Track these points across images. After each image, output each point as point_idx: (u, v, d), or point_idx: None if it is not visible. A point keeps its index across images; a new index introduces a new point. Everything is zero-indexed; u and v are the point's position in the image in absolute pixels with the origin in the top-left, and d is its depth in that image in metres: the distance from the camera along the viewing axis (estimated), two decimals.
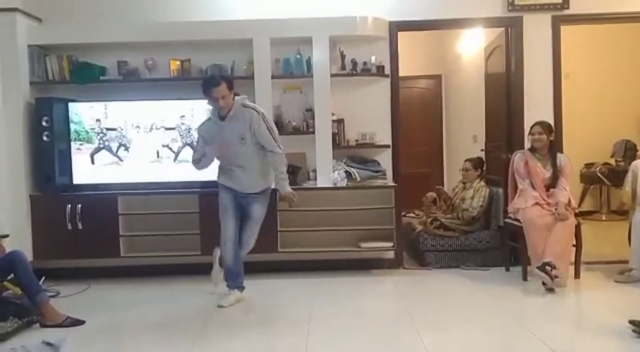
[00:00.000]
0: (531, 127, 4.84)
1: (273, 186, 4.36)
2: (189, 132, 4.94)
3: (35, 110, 4.89)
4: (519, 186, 4.79)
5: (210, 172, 4.90)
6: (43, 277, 4.30)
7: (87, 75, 5.06)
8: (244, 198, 4.27)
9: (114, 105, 5.00)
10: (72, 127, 4.96)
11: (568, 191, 4.67)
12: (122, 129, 4.97)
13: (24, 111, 4.88)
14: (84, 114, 4.97)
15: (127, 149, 4.99)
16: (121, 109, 5.00)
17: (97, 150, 4.99)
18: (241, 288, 4.33)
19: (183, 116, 4.95)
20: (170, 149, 4.99)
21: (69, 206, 4.85)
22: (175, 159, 4.99)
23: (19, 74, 4.86)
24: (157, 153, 4.98)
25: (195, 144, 4.50)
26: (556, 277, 4.24)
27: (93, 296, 4.60)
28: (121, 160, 5.00)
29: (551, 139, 4.77)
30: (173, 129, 4.97)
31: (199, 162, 4.26)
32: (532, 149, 4.82)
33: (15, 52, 4.84)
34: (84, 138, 4.98)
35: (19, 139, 4.84)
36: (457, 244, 5.23)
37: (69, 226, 4.84)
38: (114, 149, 5.00)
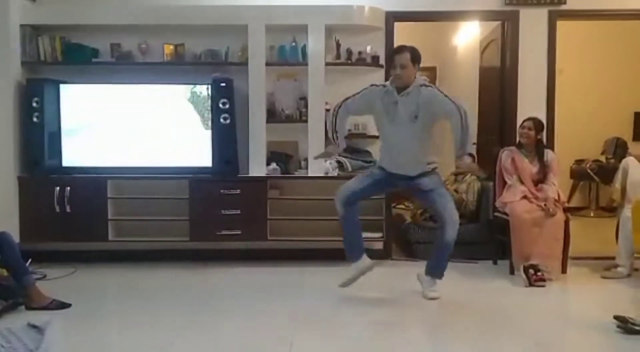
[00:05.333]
0: (523, 121, 4.84)
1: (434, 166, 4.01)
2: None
3: (26, 91, 4.84)
4: (507, 182, 4.81)
5: (202, 158, 4.90)
6: (30, 260, 4.26)
7: (79, 57, 5.01)
8: (405, 181, 3.99)
9: (106, 88, 4.96)
10: (63, 108, 4.90)
11: (557, 186, 4.69)
12: (112, 113, 4.93)
13: (14, 91, 4.82)
14: (75, 95, 4.93)
15: (116, 133, 4.95)
16: (113, 92, 4.95)
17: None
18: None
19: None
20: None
21: (58, 188, 4.80)
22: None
23: (10, 54, 4.80)
24: (149, 137, 4.95)
25: (354, 95, 3.99)
26: (537, 280, 4.28)
27: (80, 279, 4.58)
28: (102, 145, 4.94)
29: (539, 138, 4.78)
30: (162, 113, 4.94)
31: (338, 116, 3.95)
32: (519, 145, 4.83)
33: (7, 32, 4.77)
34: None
35: (8, 119, 4.78)
36: None
37: (57, 209, 4.80)
38: (102, 132, 4.95)
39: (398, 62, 3.82)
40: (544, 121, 5.02)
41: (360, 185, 4.04)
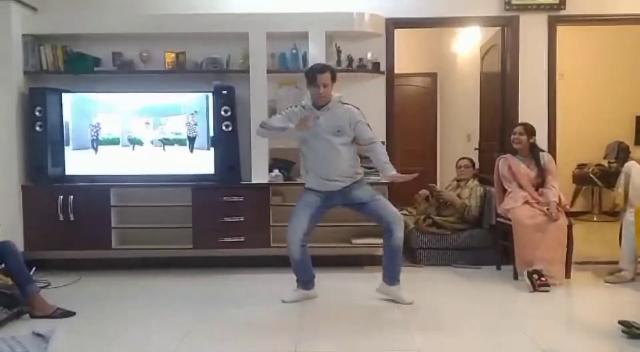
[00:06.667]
0: (515, 127, 4.86)
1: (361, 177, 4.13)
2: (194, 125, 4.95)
3: (29, 100, 4.85)
4: (507, 189, 4.81)
5: (205, 165, 4.91)
6: (34, 268, 4.28)
7: (81, 66, 5.03)
8: (340, 196, 4.04)
9: (108, 96, 4.98)
10: (65, 117, 4.92)
11: (557, 188, 4.69)
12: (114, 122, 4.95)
13: (17, 101, 4.84)
14: (78, 104, 4.95)
15: (120, 141, 4.97)
16: (115, 100, 4.98)
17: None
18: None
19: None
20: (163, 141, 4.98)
21: (61, 197, 4.82)
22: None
23: (12, 64, 4.83)
24: (153, 144, 4.97)
25: (278, 114, 4.19)
26: (542, 285, 4.28)
27: (84, 287, 4.58)
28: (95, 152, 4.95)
29: (532, 142, 4.78)
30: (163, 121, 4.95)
31: (271, 129, 4.01)
32: (514, 152, 4.84)
33: (9, 42, 4.80)
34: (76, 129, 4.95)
35: (11, 128, 4.80)
36: (449, 242, 5.24)
37: (61, 217, 4.81)
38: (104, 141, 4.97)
39: (321, 81, 3.91)
40: (546, 126, 5.03)
41: (305, 222, 4.04)
